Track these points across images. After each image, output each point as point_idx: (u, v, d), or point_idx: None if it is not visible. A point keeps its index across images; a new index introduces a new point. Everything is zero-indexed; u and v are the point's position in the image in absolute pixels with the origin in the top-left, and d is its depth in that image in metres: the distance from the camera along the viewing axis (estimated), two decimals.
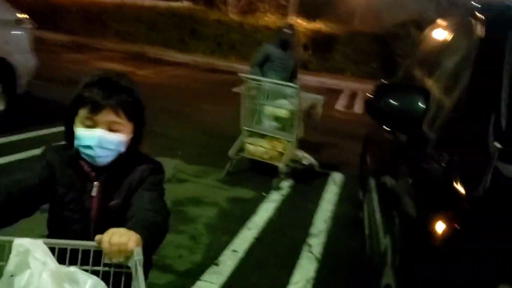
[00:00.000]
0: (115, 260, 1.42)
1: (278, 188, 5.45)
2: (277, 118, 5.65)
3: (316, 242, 4.40)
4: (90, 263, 1.43)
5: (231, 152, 5.59)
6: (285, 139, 5.58)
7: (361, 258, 3.65)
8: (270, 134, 5.64)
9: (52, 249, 1.38)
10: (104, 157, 1.73)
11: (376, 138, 3.92)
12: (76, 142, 1.73)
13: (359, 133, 9.33)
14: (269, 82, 5.56)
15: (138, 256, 1.37)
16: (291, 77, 6.27)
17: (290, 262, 3.99)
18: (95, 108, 1.68)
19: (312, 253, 4.19)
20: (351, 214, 5.05)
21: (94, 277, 1.38)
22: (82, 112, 1.70)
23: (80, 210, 1.77)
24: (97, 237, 1.43)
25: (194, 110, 8.71)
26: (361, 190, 4.84)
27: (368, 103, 2.35)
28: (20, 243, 1.31)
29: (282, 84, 5.48)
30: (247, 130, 5.64)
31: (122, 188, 1.78)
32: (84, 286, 1.34)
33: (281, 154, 5.55)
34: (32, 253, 1.30)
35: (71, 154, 1.76)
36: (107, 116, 1.69)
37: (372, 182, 3.80)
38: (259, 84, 5.54)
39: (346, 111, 11.08)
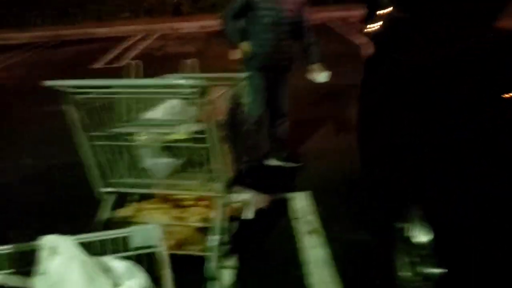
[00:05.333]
0: None
1: None
2: (170, 149, 2.36)
3: None
4: (121, 249, 1.38)
5: None
6: (199, 191, 2.36)
7: None
8: (169, 192, 2.37)
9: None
10: None
11: None
12: None
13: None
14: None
15: None
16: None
17: None
18: None
19: None
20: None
21: (127, 261, 1.36)
22: None
23: None
24: None
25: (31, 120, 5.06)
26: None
27: None
28: (48, 240, 1.28)
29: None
30: (109, 192, 2.33)
31: None
32: (118, 271, 1.32)
33: (200, 230, 2.34)
34: (61, 247, 1.27)
35: None
36: None
37: None
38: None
39: None
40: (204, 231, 2.35)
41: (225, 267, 2.44)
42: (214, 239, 2.25)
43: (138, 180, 2.34)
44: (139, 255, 1.40)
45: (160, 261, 1.36)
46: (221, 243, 2.35)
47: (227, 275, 2.42)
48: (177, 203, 2.44)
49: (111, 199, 2.34)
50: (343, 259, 2.55)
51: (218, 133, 2.19)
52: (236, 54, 3.42)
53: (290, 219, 2.97)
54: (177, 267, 2.36)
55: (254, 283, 2.42)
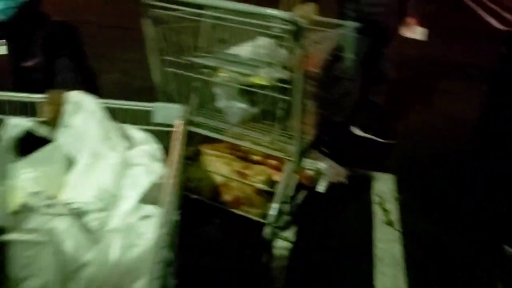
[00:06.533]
0: None
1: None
2: (248, 93, 2.03)
3: None
4: (142, 122, 1.39)
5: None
6: (269, 149, 2.02)
7: None
8: (235, 142, 2.07)
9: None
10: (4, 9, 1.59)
11: None
12: None
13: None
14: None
15: None
16: None
17: None
18: None
19: None
20: None
21: (145, 132, 1.38)
22: None
23: None
24: None
25: None
26: None
27: None
28: (74, 96, 1.34)
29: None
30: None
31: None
32: (134, 139, 1.35)
33: (261, 194, 2.03)
34: (84, 104, 1.32)
35: None
36: None
37: None
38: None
39: None
40: (266, 194, 2.03)
41: (280, 239, 2.13)
42: (275, 207, 1.93)
43: (207, 121, 2.05)
44: (160, 131, 1.41)
45: (174, 139, 1.32)
46: (282, 213, 2.03)
47: (281, 250, 2.12)
48: (243, 156, 2.14)
49: None
50: (420, 262, 2.13)
51: (306, 86, 1.81)
52: None
53: (366, 202, 2.57)
54: (234, 226, 2.14)
55: (309, 269, 2.09)
